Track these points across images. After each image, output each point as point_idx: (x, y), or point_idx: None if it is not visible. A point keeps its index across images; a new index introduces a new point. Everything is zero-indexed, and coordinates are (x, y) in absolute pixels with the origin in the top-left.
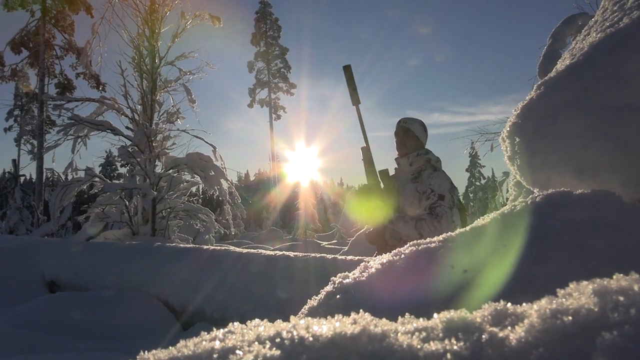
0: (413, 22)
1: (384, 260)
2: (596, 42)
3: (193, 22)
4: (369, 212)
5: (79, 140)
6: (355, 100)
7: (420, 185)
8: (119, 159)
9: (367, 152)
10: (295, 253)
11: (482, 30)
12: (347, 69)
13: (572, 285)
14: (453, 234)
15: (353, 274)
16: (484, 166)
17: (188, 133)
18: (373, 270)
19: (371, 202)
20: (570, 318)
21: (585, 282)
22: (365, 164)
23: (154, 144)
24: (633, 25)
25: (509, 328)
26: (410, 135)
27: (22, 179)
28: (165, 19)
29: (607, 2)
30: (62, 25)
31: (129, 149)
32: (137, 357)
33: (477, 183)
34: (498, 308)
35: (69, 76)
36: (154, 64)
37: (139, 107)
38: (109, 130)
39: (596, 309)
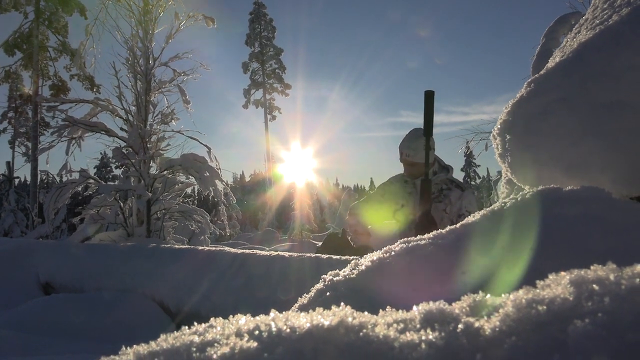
0: (407, 23)
1: (375, 258)
2: (586, 39)
3: (187, 23)
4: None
5: (73, 141)
6: (428, 132)
7: (450, 207)
8: (114, 161)
9: (428, 186)
10: (291, 253)
11: (475, 30)
12: (429, 96)
13: (551, 276)
14: (443, 231)
15: (344, 272)
16: (479, 165)
17: (183, 134)
18: (363, 267)
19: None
20: (544, 307)
21: (563, 273)
22: (423, 197)
23: (148, 145)
24: (622, 22)
25: (485, 318)
26: (417, 167)
27: (16, 181)
28: (159, 20)
29: (598, 0)
30: (56, 26)
31: (124, 150)
32: (119, 352)
33: (473, 182)
34: (477, 299)
35: (63, 78)
36: (147, 64)
37: (133, 108)
38: (103, 132)
39: (571, 298)
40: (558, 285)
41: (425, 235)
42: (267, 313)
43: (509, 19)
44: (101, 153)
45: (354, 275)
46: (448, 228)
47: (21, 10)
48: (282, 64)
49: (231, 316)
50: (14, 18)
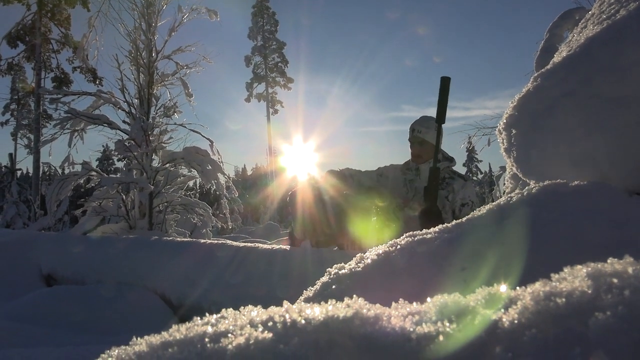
0: (410, 18)
1: (380, 251)
2: (593, 34)
3: (190, 16)
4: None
5: (76, 134)
6: (441, 119)
7: (453, 195)
8: (116, 153)
9: (436, 175)
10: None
11: (477, 25)
12: (445, 82)
13: (566, 270)
14: (449, 225)
15: (349, 265)
16: (481, 161)
17: (185, 127)
18: (369, 260)
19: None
20: (563, 300)
21: (579, 266)
22: (431, 186)
23: (150, 138)
24: (630, 16)
25: (502, 310)
26: (426, 147)
27: (18, 173)
28: (162, 13)
29: None
30: (59, 18)
31: (126, 143)
32: (130, 342)
33: (475, 178)
34: (492, 292)
35: (65, 70)
36: (150, 57)
37: (136, 101)
38: (105, 124)
39: (590, 291)
40: (575, 279)
41: (431, 229)
42: (267, 307)
43: (512, 14)
44: (103, 145)
45: (359, 269)
46: (454, 222)
47: (24, 2)
48: (285, 58)
49: (242, 307)
50: (17, 10)
